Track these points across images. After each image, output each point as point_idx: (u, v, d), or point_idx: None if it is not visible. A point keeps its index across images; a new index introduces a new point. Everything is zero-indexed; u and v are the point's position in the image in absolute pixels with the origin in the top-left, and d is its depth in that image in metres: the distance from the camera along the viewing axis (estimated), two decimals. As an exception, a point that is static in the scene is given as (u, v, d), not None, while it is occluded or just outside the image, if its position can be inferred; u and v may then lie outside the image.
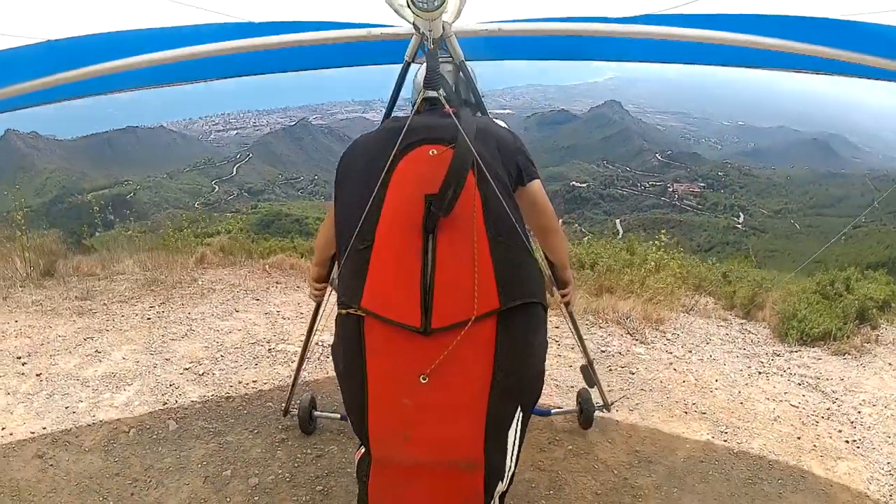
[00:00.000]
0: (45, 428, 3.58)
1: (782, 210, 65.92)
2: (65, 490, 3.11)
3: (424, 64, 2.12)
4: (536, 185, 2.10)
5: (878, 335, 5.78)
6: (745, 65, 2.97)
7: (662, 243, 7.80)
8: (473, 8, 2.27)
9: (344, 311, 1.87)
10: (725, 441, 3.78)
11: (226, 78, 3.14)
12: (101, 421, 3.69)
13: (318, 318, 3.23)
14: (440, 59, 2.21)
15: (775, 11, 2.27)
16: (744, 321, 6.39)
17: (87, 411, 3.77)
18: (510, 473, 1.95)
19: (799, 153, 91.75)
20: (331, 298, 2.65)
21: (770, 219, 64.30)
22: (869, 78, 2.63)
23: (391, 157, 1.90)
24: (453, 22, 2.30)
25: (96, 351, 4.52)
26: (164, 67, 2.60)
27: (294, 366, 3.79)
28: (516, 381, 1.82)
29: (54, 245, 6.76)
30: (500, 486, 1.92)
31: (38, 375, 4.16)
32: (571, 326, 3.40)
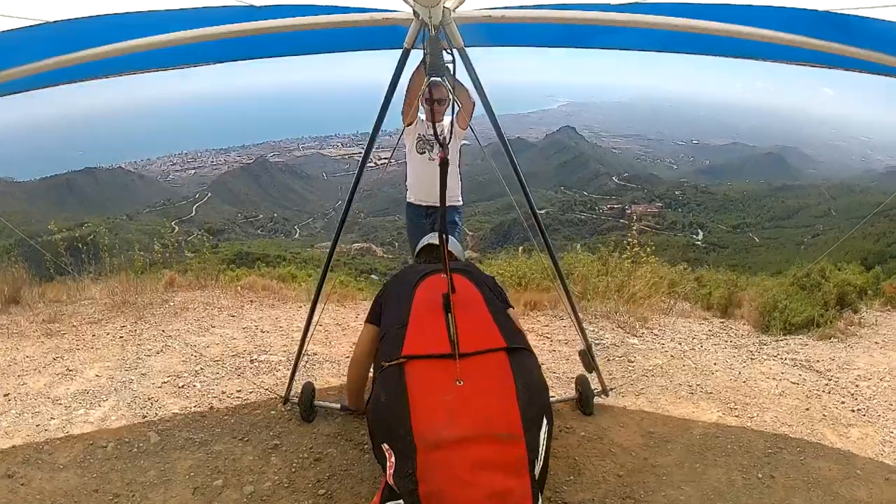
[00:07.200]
0: (14, 447, 3.27)
1: (741, 225, 67.56)
2: (39, 510, 2.81)
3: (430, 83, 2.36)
4: (513, 312, 2.85)
5: (861, 318, 5.86)
6: (745, 56, 2.93)
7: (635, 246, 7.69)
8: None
9: (386, 364, 2.26)
10: (737, 416, 3.71)
11: (225, 62, 3.05)
12: (75, 437, 3.39)
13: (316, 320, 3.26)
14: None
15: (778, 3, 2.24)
16: (723, 320, 6.35)
17: (60, 428, 3.46)
18: (543, 455, 2.12)
19: (754, 168, 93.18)
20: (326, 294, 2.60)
21: (729, 234, 65.66)
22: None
23: (415, 281, 2.73)
24: (455, 8, 2.25)
25: (67, 369, 4.19)
26: (164, 51, 2.48)
27: (287, 374, 3.59)
28: (535, 391, 2.22)
29: (19, 275, 6.33)
30: (538, 465, 2.07)
31: (5, 395, 3.83)
32: (570, 310, 3.37)
